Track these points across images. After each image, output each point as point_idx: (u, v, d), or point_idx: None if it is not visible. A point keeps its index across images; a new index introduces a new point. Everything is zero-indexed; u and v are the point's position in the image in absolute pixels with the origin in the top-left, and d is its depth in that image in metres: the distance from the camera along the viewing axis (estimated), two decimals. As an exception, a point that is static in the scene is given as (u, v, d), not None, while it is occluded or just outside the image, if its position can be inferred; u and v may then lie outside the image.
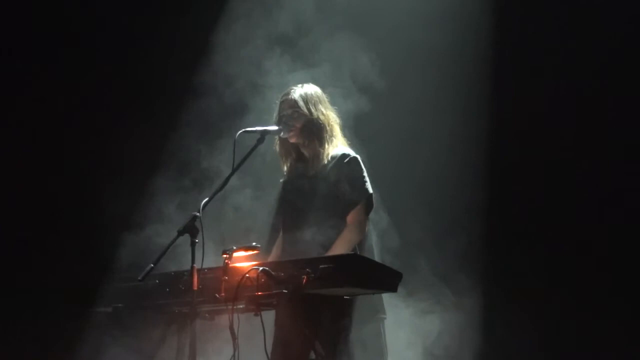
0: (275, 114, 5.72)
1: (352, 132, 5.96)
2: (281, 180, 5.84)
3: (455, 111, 7.20)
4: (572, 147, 7.05)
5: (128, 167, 6.96)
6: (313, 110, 5.67)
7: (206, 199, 5.09)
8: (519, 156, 7.19)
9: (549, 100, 7.12)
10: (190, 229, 4.96)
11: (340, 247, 5.42)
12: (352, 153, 5.69)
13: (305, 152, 5.71)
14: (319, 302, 5.01)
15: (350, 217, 5.55)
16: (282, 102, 5.71)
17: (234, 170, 5.28)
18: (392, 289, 5.07)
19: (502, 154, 7.22)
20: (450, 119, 7.19)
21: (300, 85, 5.75)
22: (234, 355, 4.95)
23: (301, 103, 5.65)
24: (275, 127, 5.62)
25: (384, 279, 5.02)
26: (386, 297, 6.01)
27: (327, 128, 5.69)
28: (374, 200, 5.64)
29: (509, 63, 7.20)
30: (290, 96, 5.68)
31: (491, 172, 7.20)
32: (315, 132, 5.66)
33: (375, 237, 5.90)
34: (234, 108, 6.61)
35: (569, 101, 7.06)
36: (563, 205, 7.07)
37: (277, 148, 5.79)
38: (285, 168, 5.83)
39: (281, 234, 5.77)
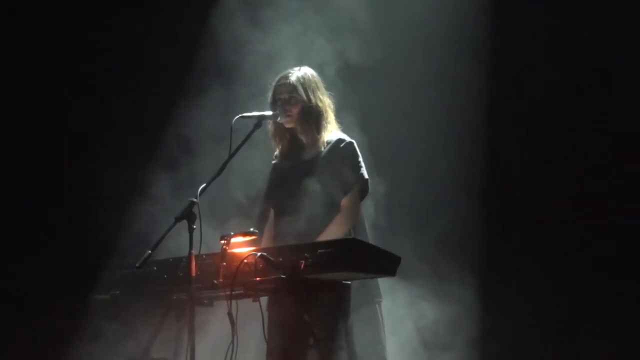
0: (269, 96, 5.68)
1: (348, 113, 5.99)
2: (273, 162, 5.81)
3: (452, 95, 7.15)
4: (574, 130, 6.98)
5: (125, 152, 6.92)
6: (311, 96, 5.64)
7: (203, 185, 5.06)
8: (518, 139, 7.14)
9: (549, 81, 7.07)
10: (188, 215, 4.92)
11: (333, 232, 5.44)
12: (347, 138, 5.68)
13: (302, 138, 5.68)
14: (318, 287, 5.00)
15: (344, 202, 5.55)
16: (279, 85, 5.66)
17: (230, 156, 5.25)
18: (391, 273, 5.06)
19: (502, 136, 7.16)
20: (447, 104, 7.15)
21: (297, 69, 5.70)
22: (232, 341, 4.93)
23: (300, 89, 5.61)
24: (271, 112, 5.58)
25: (383, 263, 5.00)
26: (381, 281, 5.95)
27: (325, 115, 5.67)
28: (369, 185, 5.64)
29: (509, 42, 7.15)
30: (288, 80, 5.64)
31: (490, 156, 7.16)
32: (314, 119, 5.64)
33: (367, 220, 5.86)
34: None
35: (570, 83, 7.01)
36: (563, 191, 7.03)
37: (271, 129, 5.74)
38: (277, 150, 5.80)
39: (272, 217, 5.76)
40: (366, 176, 5.62)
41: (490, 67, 7.11)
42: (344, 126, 5.80)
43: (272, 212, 5.79)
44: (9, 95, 7.03)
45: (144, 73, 7.14)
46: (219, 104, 6.55)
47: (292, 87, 5.62)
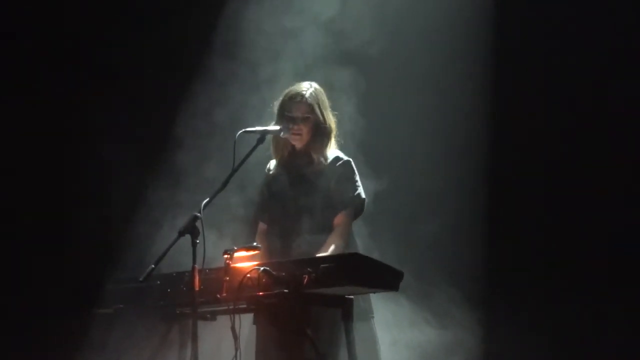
0: (276, 107, 5.66)
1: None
2: (269, 173, 5.79)
3: (452, 98, 7.11)
4: (577, 139, 6.92)
5: (130, 163, 6.90)
6: (326, 115, 5.64)
7: (207, 199, 5.05)
8: (519, 145, 7.06)
9: (553, 85, 7.01)
10: (191, 229, 4.92)
11: (328, 250, 5.45)
12: (345, 156, 5.69)
13: (313, 155, 5.64)
14: (320, 302, 5.00)
15: (338, 220, 5.58)
16: (292, 102, 5.61)
17: (234, 171, 5.23)
18: (394, 287, 5.04)
19: (504, 146, 7.09)
20: (447, 107, 7.12)
21: (308, 85, 5.68)
22: (235, 356, 4.92)
23: (316, 109, 5.60)
24: (276, 127, 5.56)
25: (386, 278, 4.98)
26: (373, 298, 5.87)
27: (332, 130, 5.68)
28: (364, 206, 5.65)
29: (512, 45, 7.09)
30: (303, 99, 5.59)
31: (491, 172, 7.08)
32: (326, 137, 5.63)
33: (359, 237, 5.84)
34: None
35: (575, 89, 6.94)
36: (565, 199, 6.95)
37: (273, 140, 5.71)
38: (274, 160, 5.77)
39: (262, 230, 5.75)
40: (363, 196, 5.64)
41: (490, 73, 7.07)
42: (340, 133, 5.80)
43: (261, 225, 5.79)
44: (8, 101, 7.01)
45: (148, 82, 7.15)
46: (225, 113, 6.56)
47: (309, 108, 5.60)
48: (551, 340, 6.77)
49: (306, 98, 5.60)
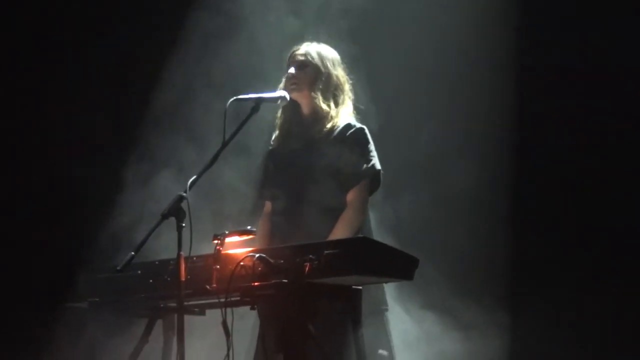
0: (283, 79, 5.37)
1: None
2: (270, 148, 5.47)
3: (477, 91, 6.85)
4: (611, 132, 6.65)
5: (105, 144, 6.70)
6: (330, 66, 5.30)
7: (193, 177, 4.70)
8: (546, 132, 6.73)
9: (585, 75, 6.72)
10: (176, 211, 4.57)
11: (341, 231, 5.12)
12: (357, 123, 5.32)
13: (318, 104, 5.23)
14: (325, 293, 4.64)
15: (352, 196, 5.23)
16: (290, 59, 5.32)
17: (224, 145, 4.85)
18: (408, 276, 4.66)
19: (530, 137, 6.80)
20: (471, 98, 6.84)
21: (310, 41, 5.38)
22: (227, 355, 4.61)
23: (316, 56, 5.28)
24: (273, 94, 5.20)
25: (399, 265, 4.62)
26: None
27: (342, 88, 5.31)
28: (381, 177, 5.29)
29: (536, 27, 6.81)
30: (300, 49, 5.31)
31: (517, 159, 6.80)
32: (331, 88, 5.28)
33: (373, 218, 5.53)
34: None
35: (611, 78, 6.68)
36: (596, 190, 6.67)
37: (279, 121, 5.37)
38: (276, 132, 5.43)
39: (267, 210, 5.44)
40: (378, 167, 5.27)
41: (518, 66, 6.82)
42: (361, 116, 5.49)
43: (267, 204, 5.46)
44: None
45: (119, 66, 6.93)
46: (206, 88, 6.31)
47: (305, 52, 5.31)
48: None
49: (303, 47, 5.32)
